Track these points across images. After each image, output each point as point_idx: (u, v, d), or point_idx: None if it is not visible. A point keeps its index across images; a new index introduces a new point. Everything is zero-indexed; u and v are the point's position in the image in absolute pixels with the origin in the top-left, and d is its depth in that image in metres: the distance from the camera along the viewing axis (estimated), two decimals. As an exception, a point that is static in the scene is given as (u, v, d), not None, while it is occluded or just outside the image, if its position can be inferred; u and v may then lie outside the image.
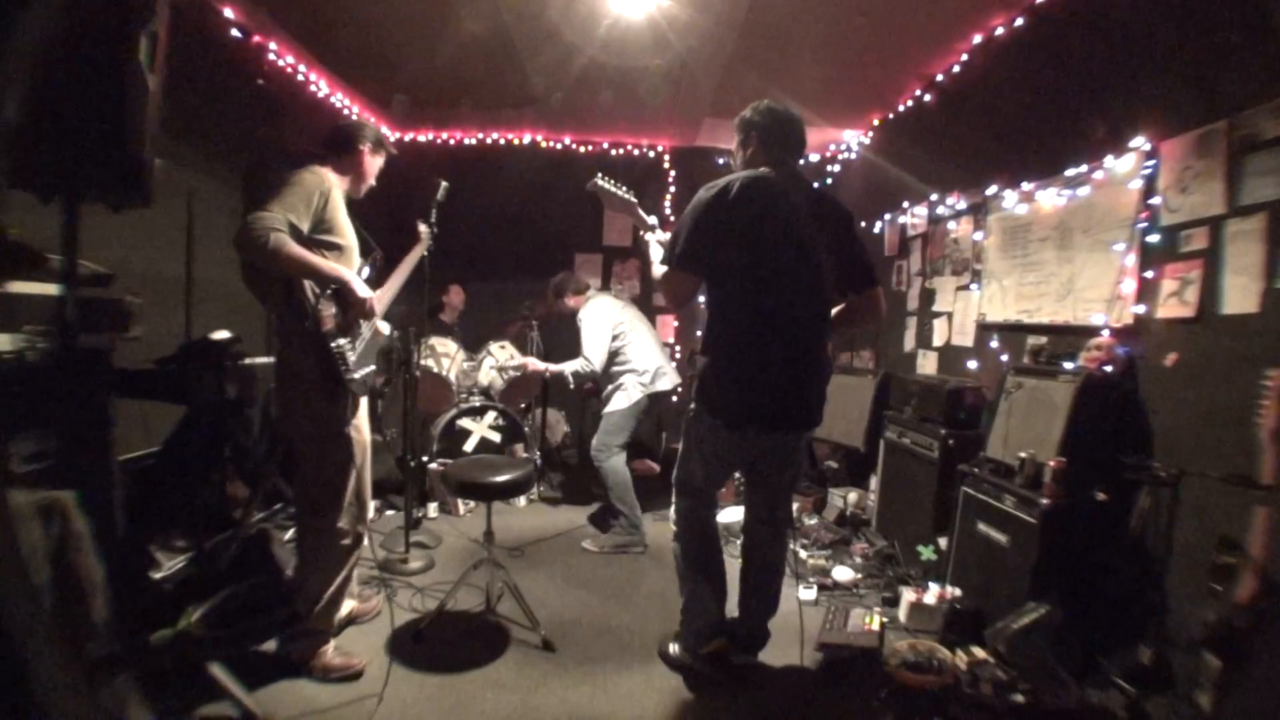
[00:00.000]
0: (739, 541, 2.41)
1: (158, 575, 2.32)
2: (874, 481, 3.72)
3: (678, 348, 5.76)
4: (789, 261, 2.05)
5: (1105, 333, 2.60)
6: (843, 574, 3.03)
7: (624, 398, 3.58)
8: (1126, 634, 2.21)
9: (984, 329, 3.47)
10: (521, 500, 4.22)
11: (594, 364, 3.54)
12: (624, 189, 2.34)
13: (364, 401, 2.34)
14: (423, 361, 4.15)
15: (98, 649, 1.32)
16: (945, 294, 3.90)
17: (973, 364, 3.52)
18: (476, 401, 4.23)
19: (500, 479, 2.49)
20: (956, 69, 3.71)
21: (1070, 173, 2.84)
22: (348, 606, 2.49)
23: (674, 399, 3.90)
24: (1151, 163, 2.45)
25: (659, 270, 2.25)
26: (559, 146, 5.75)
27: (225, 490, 2.84)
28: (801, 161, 2.26)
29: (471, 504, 4.01)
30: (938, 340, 3.94)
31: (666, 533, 3.58)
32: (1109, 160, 2.63)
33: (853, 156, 5.35)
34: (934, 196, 4.01)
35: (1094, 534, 2.28)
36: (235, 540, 2.58)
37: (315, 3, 3.41)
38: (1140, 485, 2.26)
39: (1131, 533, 2.26)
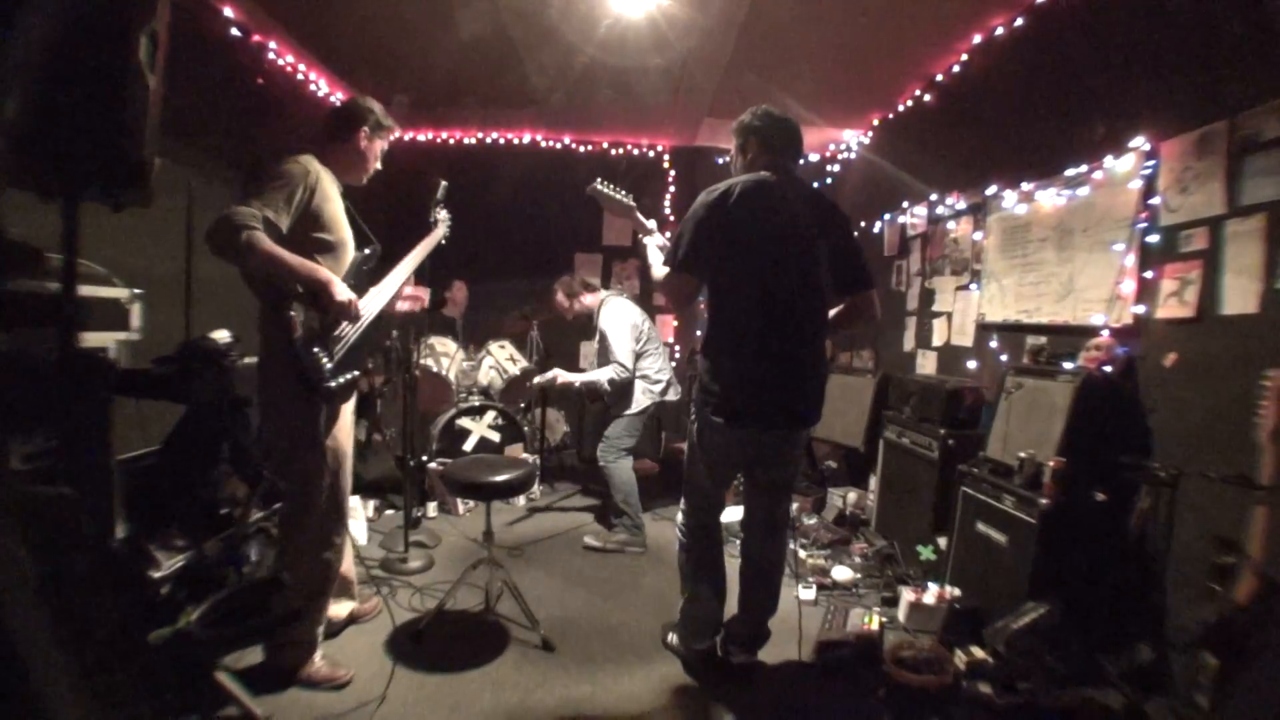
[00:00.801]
0: (739, 541, 2.41)
1: (157, 574, 2.31)
2: (873, 481, 3.72)
3: (677, 348, 5.77)
4: (788, 263, 2.08)
5: (1105, 333, 2.60)
6: (842, 574, 3.03)
7: (635, 403, 3.57)
8: (1125, 634, 2.21)
9: (983, 329, 3.47)
10: (521, 500, 4.22)
11: (628, 369, 3.47)
12: (623, 193, 2.35)
13: (349, 405, 2.24)
14: (422, 360, 4.15)
15: (97, 648, 1.32)
16: (945, 294, 3.91)
17: (972, 364, 3.52)
18: (476, 401, 4.24)
19: (500, 478, 2.49)
20: (956, 69, 3.72)
21: (1070, 173, 2.84)
22: (348, 607, 2.49)
23: (674, 399, 3.89)
24: (1151, 163, 2.45)
25: (660, 272, 2.27)
26: (559, 146, 5.76)
27: (224, 489, 2.83)
28: (801, 162, 2.28)
29: (471, 503, 4.01)
30: (937, 340, 3.95)
31: (666, 532, 3.60)
32: (1109, 160, 2.63)
33: (852, 156, 5.35)
34: (934, 196, 4.02)
35: (1093, 534, 2.28)
36: (234, 539, 2.58)
37: (315, 3, 3.41)
38: (1139, 485, 2.26)
39: (1131, 533, 2.26)
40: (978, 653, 2.22)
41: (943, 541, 2.87)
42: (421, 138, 5.67)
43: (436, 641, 2.44)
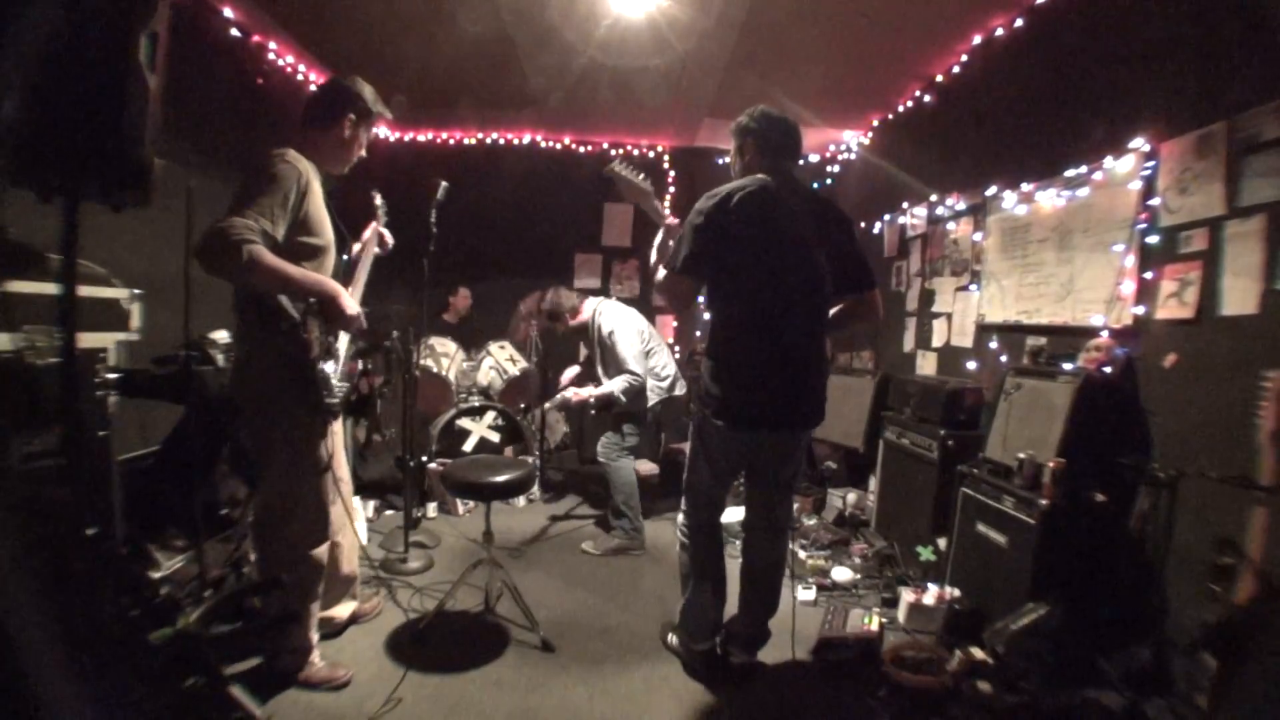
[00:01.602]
0: (739, 541, 2.41)
1: (157, 575, 2.31)
2: (873, 482, 3.72)
3: (677, 348, 5.76)
4: (789, 265, 2.08)
5: (1104, 334, 2.60)
6: (842, 574, 3.03)
7: (641, 402, 3.55)
8: (1125, 635, 2.21)
9: (983, 330, 3.47)
10: (521, 500, 4.22)
11: (641, 375, 3.43)
12: (641, 176, 2.31)
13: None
14: (422, 361, 4.15)
15: (98, 649, 1.32)
16: (944, 295, 3.91)
17: (972, 365, 3.52)
18: (476, 401, 4.23)
19: (499, 479, 2.49)
20: (956, 70, 3.72)
21: (1070, 173, 2.84)
22: (350, 607, 2.48)
23: (674, 400, 3.89)
24: (1151, 164, 2.45)
25: (659, 273, 2.26)
26: (559, 146, 5.76)
27: (224, 489, 2.84)
28: (800, 162, 2.28)
29: (470, 504, 4.01)
30: (937, 341, 3.95)
31: (666, 533, 3.60)
32: (1108, 161, 2.63)
33: (852, 157, 5.35)
34: (933, 197, 4.02)
35: (1093, 535, 2.28)
36: (234, 539, 2.58)
37: (315, 3, 3.41)
38: (1139, 486, 2.26)
39: (1130, 534, 2.27)
40: (977, 653, 2.21)
41: (942, 542, 2.87)
42: (421, 138, 5.67)
43: (436, 642, 2.43)
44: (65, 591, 1.21)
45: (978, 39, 3.46)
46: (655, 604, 2.83)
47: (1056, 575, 2.23)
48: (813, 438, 4.21)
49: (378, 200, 2.52)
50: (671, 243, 2.20)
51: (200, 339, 2.56)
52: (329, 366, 1.98)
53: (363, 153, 2.17)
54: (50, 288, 1.89)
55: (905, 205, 4.40)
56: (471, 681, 2.22)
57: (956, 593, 2.59)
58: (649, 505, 3.77)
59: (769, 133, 2.19)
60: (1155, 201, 2.44)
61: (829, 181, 5.66)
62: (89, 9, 1.22)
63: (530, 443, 4.34)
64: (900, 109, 4.43)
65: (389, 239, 2.53)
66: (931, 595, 2.62)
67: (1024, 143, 3.18)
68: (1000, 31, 3.32)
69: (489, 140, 5.69)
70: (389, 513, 3.90)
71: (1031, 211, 3.12)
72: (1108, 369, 2.50)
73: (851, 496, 3.81)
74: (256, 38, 3.77)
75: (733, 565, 2.38)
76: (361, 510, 3.55)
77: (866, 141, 5.09)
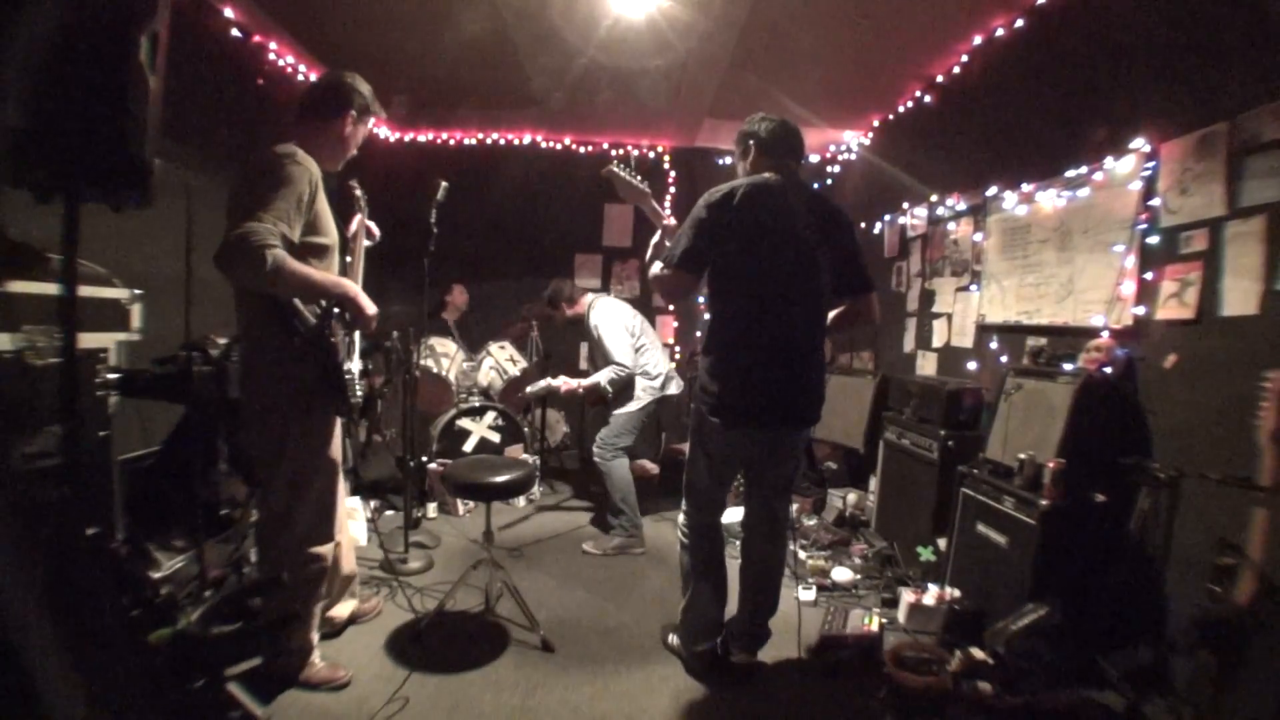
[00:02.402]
0: (739, 541, 2.42)
1: (157, 575, 2.31)
2: (873, 482, 3.72)
3: (677, 348, 5.76)
4: (788, 264, 2.08)
5: (1105, 334, 2.60)
6: (842, 575, 3.03)
7: (634, 400, 3.57)
8: (1126, 635, 2.21)
9: (983, 330, 3.47)
10: (521, 500, 4.22)
11: (628, 366, 3.49)
12: (639, 178, 2.32)
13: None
14: (422, 361, 4.15)
15: (98, 649, 1.32)
16: (945, 295, 3.91)
17: (972, 365, 3.52)
18: (476, 401, 4.23)
19: (500, 479, 2.49)
20: (956, 70, 3.72)
21: (1070, 174, 2.84)
22: (349, 606, 2.48)
23: (674, 400, 3.89)
24: (1151, 164, 2.45)
25: (654, 268, 2.26)
26: (559, 147, 5.77)
27: (224, 489, 2.83)
28: (802, 163, 2.29)
29: (471, 504, 4.01)
30: (937, 341, 3.95)
31: (666, 533, 3.60)
32: (1109, 161, 2.63)
33: (853, 157, 5.35)
34: (934, 198, 4.02)
35: (1093, 535, 2.28)
36: (234, 539, 2.58)
37: (315, 3, 3.42)
38: (1139, 487, 2.26)
39: (1131, 534, 2.26)
40: (978, 654, 2.21)
41: (942, 543, 2.87)
42: (422, 138, 5.67)
43: (436, 642, 2.43)
44: (65, 591, 1.21)
45: (978, 39, 3.46)
46: (655, 604, 2.83)
47: (1056, 575, 2.23)
48: (813, 438, 4.22)
49: (357, 191, 2.49)
50: (668, 242, 2.21)
51: (200, 339, 2.56)
52: (351, 367, 1.99)
53: (354, 151, 2.15)
54: (51, 288, 1.89)
55: (906, 205, 4.40)
56: (471, 682, 2.22)
57: (956, 593, 2.59)
58: (649, 505, 3.77)
59: (770, 135, 2.20)
60: (1156, 202, 2.44)
61: (829, 182, 5.66)
62: (89, 9, 1.22)
63: (530, 443, 4.34)
64: (900, 109, 4.43)
65: (375, 230, 2.53)
66: (931, 595, 2.61)
67: (1024, 143, 3.18)
68: (1000, 32, 3.32)
69: (489, 140, 5.69)
70: (389, 513, 3.90)
71: (1032, 212, 3.12)
72: (1108, 369, 2.50)
73: (851, 497, 3.81)
74: (257, 38, 3.77)
75: (733, 565, 2.38)
76: (361, 510, 3.54)
77: (867, 142, 5.09)
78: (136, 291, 2.43)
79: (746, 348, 2.09)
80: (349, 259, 2.22)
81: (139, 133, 1.28)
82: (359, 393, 2.05)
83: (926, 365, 4.06)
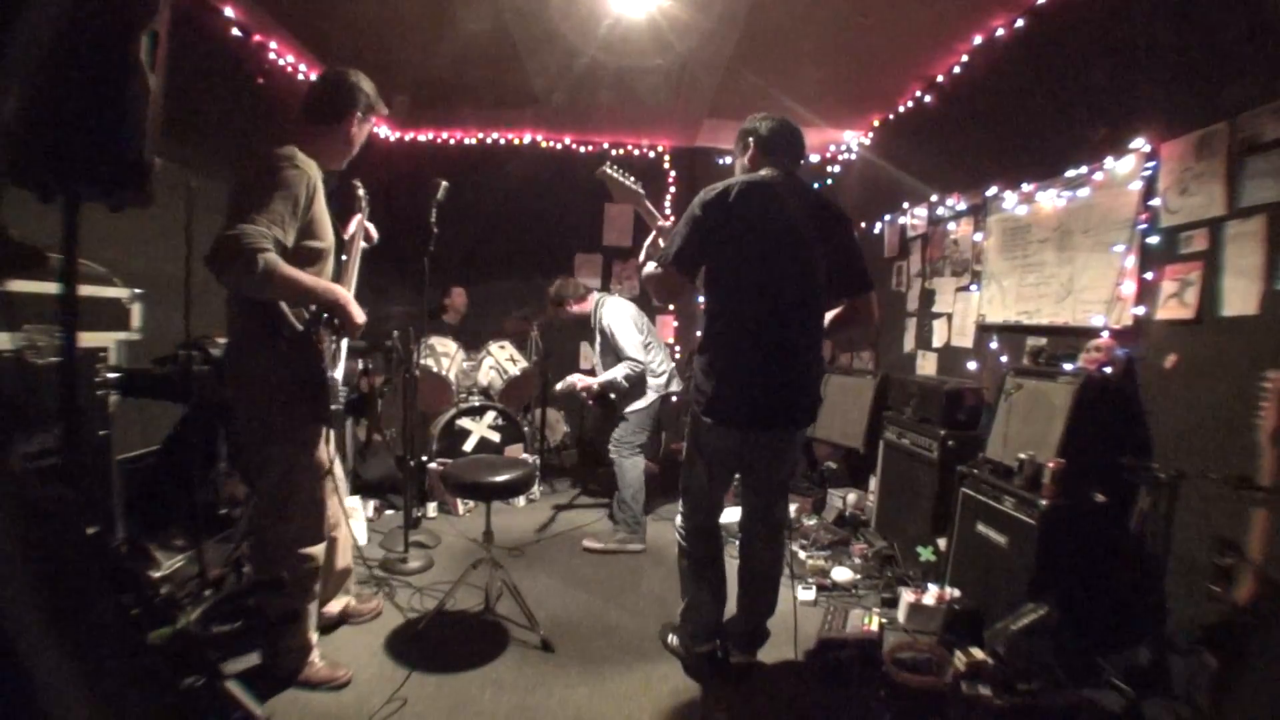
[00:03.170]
0: (737, 542, 2.41)
1: (157, 575, 2.31)
2: (873, 482, 3.72)
3: (678, 348, 5.77)
4: (785, 264, 2.07)
5: (1105, 334, 2.60)
6: (842, 575, 3.03)
7: (645, 398, 3.59)
8: (1125, 635, 2.21)
9: (983, 330, 3.47)
10: (521, 500, 4.22)
11: (641, 362, 3.50)
12: (632, 179, 2.33)
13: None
14: (422, 361, 4.15)
15: (98, 648, 1.32)
16: (945, 295, 3.91)
17: (972, 365, 3.52)
18: (476, 401, 4.23)
19: (500, 479, 2.49)
20: (957, 70, 3.72)
21: (1070, 174, 2.84)
22: (341, 602, 2.48)
23: (673, 400, 3.90)
24: (1151, 164, 2.45)
25: (649, 267, 2.26)
26: (559, 146, 5.77)
27: (224, 489, 2.84)
28: (801, 163, 2.28)
29: (471, 504, 4.01)
30: (937, 341, 3.95)
31: (667, 533, 3.60)
32: (1109, 161, 2.63)
33: (853, 157, 5.35)
34: (934, 197, 4.02)
35: (1093, 535, 2.28)
36: (234, 539, 2.58)
37: (315, 3, 3.41)
38: (1139, 486, 2.26)
39: (1131, 534, 2.26)
40: (977, 654, 2.21)
41: (942, 542, 2.87)
42: (422, 138, 5.67)
43: (436, 642, 2.43)
44: (65, 591, 1.21)
45: (978, 39, 3.46)
46: (655, 604, 2.83)
47: (1056, 575, 2.23)
48: (813, 438, 4.22)
49: (360, 191, 2.48)
50: (662, 242, 2.21)
51: (200, 339, 2.56)
52: (335, 374, 1.98)
53: (355, 151, 2.14)
54: (51, 287, 1.89)
55: (906, 205, 4.40)
56: (471, 681, 2.22)
57: (956, 593, 2.59)
58: (650, 504, 3.77)
59: (770, 134, 2.19)
60: (1156, 202, 2.44)
61: (829, 181, 5.66)
62: (90, 9, 1.22)
63: (530, 443, 4.34)
64: (901, 109, 4.43)
65: (373, 232, 2.51)
66: (931, 595, 2.61)
67: (1024, 143, 3.18)
68: (1000, 31, 3.32)
69: (489, 140, 5.69)
70: (389, 513, 3.90)
71: (1032, 212, 3.12)
72: (1108, 369, 2.50)
73: (851, 496, 3.81)
74: (257, 37, 3.77)
75: (732, 565, 2.38)
76: (361, 510, 3.55)
77: (867, 141, 5.09)
78: (136, 291, 2.43)
79: (741, 347, 2.08)
80: (344, 258, 2.21)
81: (139, 132, 1.28)
82: (342, 400, 2.01)
83: (926, 365, 4.06)
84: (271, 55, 3.91)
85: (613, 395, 3.60)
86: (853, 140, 5.26)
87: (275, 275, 1.69)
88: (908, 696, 2.09)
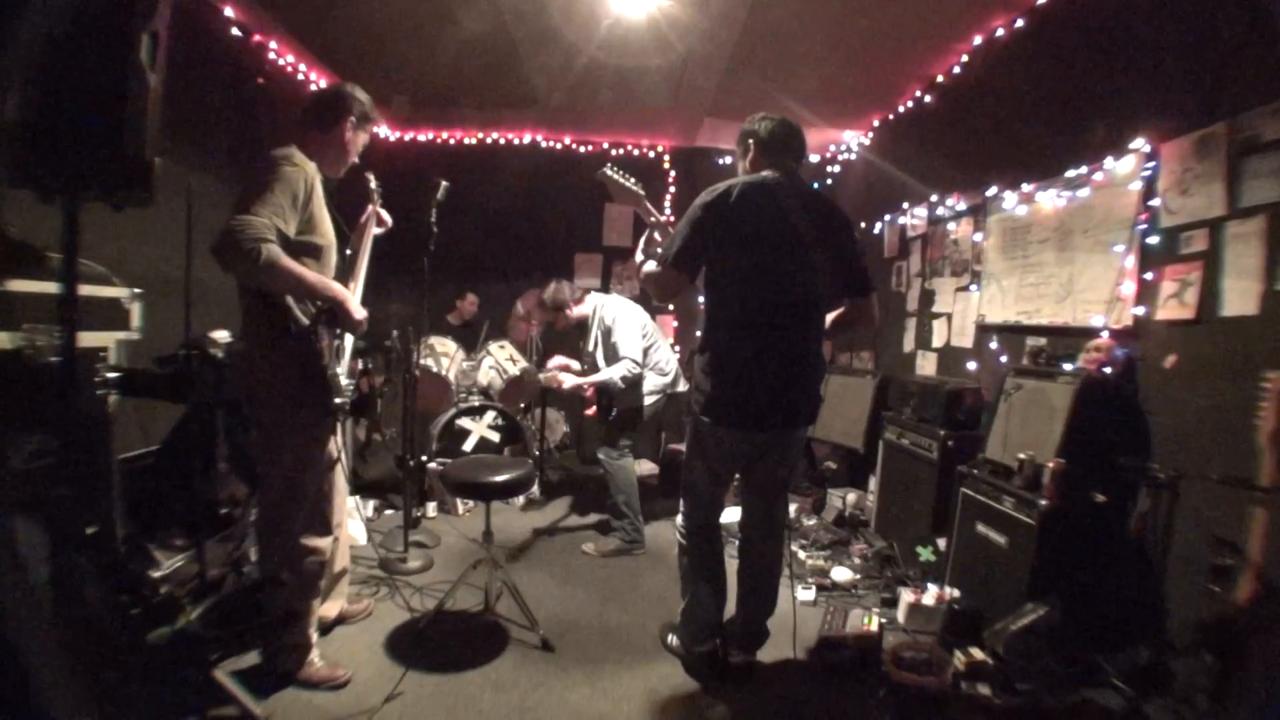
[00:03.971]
0: (737, 542, 2.42)
1: (157, 574, 2.31)
2: (873, 482, 3.72)
3: (678, 348, 5.77)
4: (785, 264, 2.07)
5: (1105, 334, 2.60)
6: (841, 575, 3.03)
7: (645, 397, 3.53)
8: (1125, 635, 2.21)
9: (983, 330, 3.47)
10: (521, 500, 4.22)
11: (640, 363, 3.43)
12: (632, 180, 2.33)
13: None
14: (422, 361, 4.15)
15: (97, 647, 1.32)
16: (945, 295, 3.91)
17: (972, 365, 3.52)
18: (476, 401, 4.23)
19: (499, 479, 2.49)
20: (957, 70, 3.72)
21: (1070, 174, 2.84)
22: (337, 606, 2.48)
23: (683, 389, 3.88)
24: (1151, 164, 2.45)
25: (648, 267, 2.26)
26: (559, 146, 5.77)
27: (224, 489, 2.83)
28: (802, 163, 2.28)
29: (470, 504, 4.01)
30: (937, 341, 3.95)
31: (666, 533, 3.60)
32: (1109, 162, 2.63)
33: (853, 157, 5.35)
34: (934, 198, 4.02)
35: (1093, 535, 2.28)
36: (234, 539, 2.58)
37: (315, 3, 3.42)
38: (1139, 487, 2.26)
39: (1130, 534, 2.27)
40: (977, 654, 2.22)
41: (942, 542, 2.87)
42: (422, 138, 5.67)
43: (435, 641, 2.43)
44: (65, 590, 1.21)
45: (978, 39, 3.46)
46: (655, 604, 2.83)
47: (1056, 575, 2.23)
48: (813, 437, 4.22)
49: (372, 182, 2.54)
50: (659, 236, 2.21)
51: (200, 339, 2.56)
52: (338, 369, 2.01)
53: (355, 159, 2.21)
54: (51, 286, 1.89)
55: (906, 205, 4.40)
56: (471, 681, 2.22)
57: (956, 593, 2.59)
58: (649, 505, 3.76)
59: (771, 135, 2.19)
60: (1156, 202, 2.44)
61: (829, 181, 5.66)
62: (90, 9, 1.22)
63: (529, 443, 4.34)
64: (901, 109, 4.43)
65: (386, 218, 2.56)
66: (931, 595, 2.62)
67: (1024, 143, 3.18)
68: (1000, 32, 3.32)
69: (489, 140, 5.69)
70: (389, 512, 3.90)
71: (1032, 212, 3.12)
72: (1108, 369, 2.50)
73: (851, 496, 3.81)
74: (257, 38, 3.77)
75: (732, 565, 2.38)
76: (361, 510, 3.55)
77: (867, 142, 5.09)
78: (136, 291, 2.43)
79: (741, 348, 2.08)
80: (350, 253, 2.25)
81: (139, 132, 1.28)
82: (349, 395, 2.05)
83: (926, 365, 4.06)
84: (271, 55, 3.91)
85: (614, 394, 3.57)
86: (853, 140, 5.26)
87: (277, 266, 1.75)
88: (907, 696, 2.09)
